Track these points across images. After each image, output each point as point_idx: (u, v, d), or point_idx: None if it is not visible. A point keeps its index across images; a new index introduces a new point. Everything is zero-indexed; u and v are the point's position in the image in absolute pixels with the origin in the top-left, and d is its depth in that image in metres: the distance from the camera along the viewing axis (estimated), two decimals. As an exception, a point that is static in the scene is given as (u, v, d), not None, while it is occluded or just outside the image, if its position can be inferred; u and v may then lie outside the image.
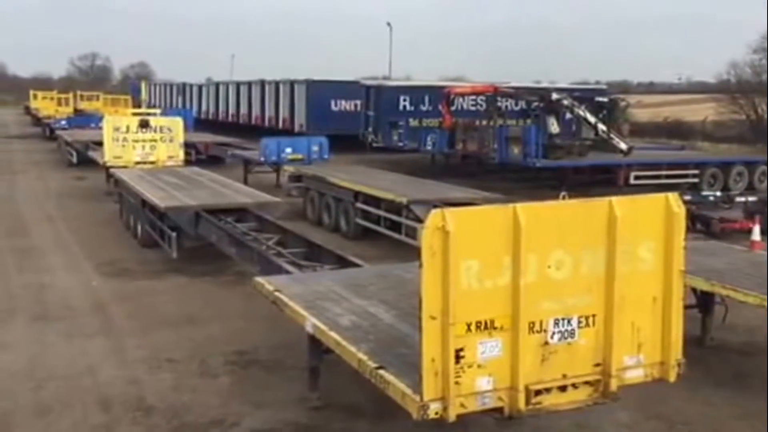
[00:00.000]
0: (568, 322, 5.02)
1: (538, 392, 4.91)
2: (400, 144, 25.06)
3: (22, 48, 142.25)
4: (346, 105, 32.82)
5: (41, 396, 7.05)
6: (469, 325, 4.73)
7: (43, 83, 78.24)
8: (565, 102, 21.17)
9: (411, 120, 26.01)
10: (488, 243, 4.79)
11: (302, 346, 6.99)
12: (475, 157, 22.69)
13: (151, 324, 9.21)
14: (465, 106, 27.08)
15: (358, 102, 29.70)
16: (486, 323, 4.78)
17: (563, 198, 5.62)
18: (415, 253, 11.83)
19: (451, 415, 4.70)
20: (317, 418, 6.56)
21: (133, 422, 6.50)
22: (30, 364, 7.84)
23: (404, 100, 27.92)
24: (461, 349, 4.71)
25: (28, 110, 56.63)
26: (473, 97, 26.88)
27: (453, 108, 24.63)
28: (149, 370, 7.72)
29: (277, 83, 36.46)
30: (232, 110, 41.98)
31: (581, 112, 21.40)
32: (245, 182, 19.02)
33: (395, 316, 6.25)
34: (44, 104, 49.61)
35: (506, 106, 25.64)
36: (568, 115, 22.01)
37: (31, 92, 54.93)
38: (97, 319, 9.47)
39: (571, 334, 5.04)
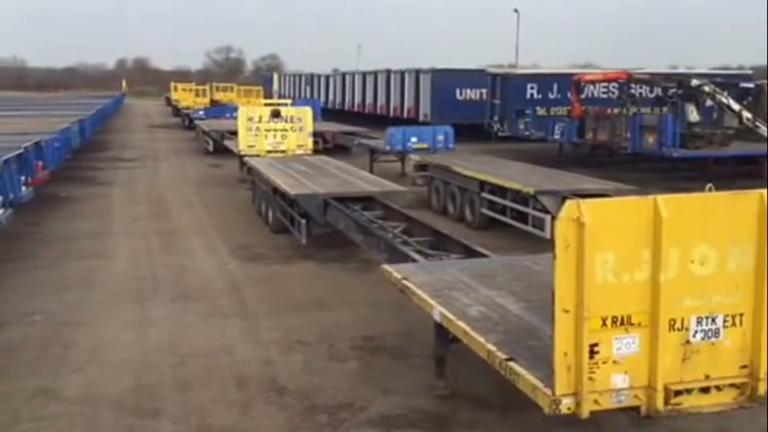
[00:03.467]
0: (713, 320, 4.75)
1: (678, 392, 4.69)
2: (527, 133, 24.60)
3: (163, 43, 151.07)
4: (471, 94, 32.59)
5: (182, 372, 7.47)
6: (604, 320, 4.58)
7: (182, 75, 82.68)
8: (706, 88, 20.00)
9: (538, 108, 25.47)
10: (626, 236, 4.61)
11: (428, 334, 7.03)
12: (606, 146, 21.95)
13: (282, 307, 9.54)
14: (595, 94, 26.19)
15: (484, 91, 29.40)
16: (623, 319, 4.61)
17: (709, 190, 5.30)
18: (541, 244, 11.62)
19: (584, 412, 4.58)
20: (444, 407, 6.57)
21: (267, 401, 6.76)
22: (172, 341, 8.31)
23: (531, 88, 27.33)
24: (596, 344, 4.57)
25: (168, 101, 60.05)
26: (604, 84, 25.92)
27: (583, 96, 23.94)
28: (281, 351, 8.00)
29: (402, 73, 36.71)
30: (358, 100, 42.69)
31: (724, 99, 20.13)
32: (371, 171, 19.29)
33: (524, 308, 6.15)
34: (183, 95, 52.40)
35: (640, 94, 24.57)
36: (709, 102, 20.79)
37: (172, 84, 58.16)
38: (232, 300, 9.91)
39: (716, 333, 4.77)
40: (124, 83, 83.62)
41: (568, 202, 4.64)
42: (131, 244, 13.34)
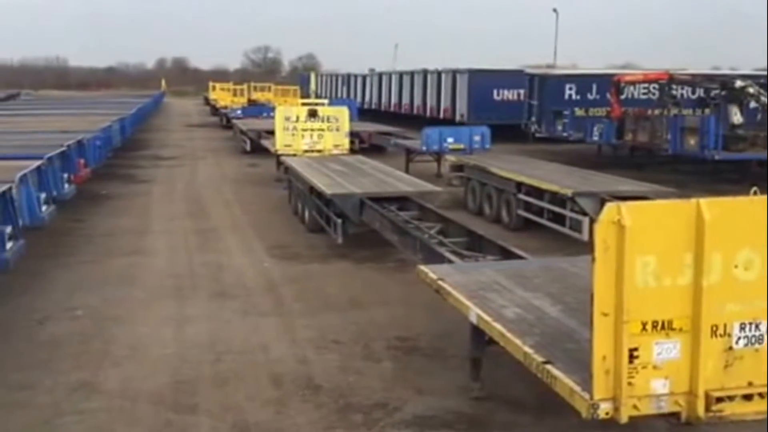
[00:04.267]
0: (756, 327, 4.66)
1: (719, 399, 4.61)
2: (564, 134, 24.39)
3: (202, 42, 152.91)
4: (508, 94, 32.42)
5: (220, 368, 7.55)
6: (644, 324, 4.52)
7: (220, 75, 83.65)
8: (751, 90, 19.62)
9: (576, 109, 25.22)
10: (667, 239, 4.54)
11: (463, 335, 7.01)
12: (646, 148, 21.66)
13: (317, 306, 9.59)
14: (635, 95, 25.87)
15: (521, 91, 29.23)
16: (663, 323, 4.55)
17: (754, 193, 5.19)
18: (578, 246, 11.49)
19: (623, 417, 4.52)
20: (479, 409, 6.54)
21: (302, 399, 6.80)
22: (210, 337, 8.42)
23: (570, 89, 27.08)
24: (635, 349, 4.51)
25: (206, 100, 60.78)
26: (644, 85, 25.60)
27: (622, 97, 23.61)
28: (316, 350, 8.04)
29: (439, 73, 36.66)
30: (394, 100, 42.73)
31: (769, 101, 19.73)
32: (406, 171, 19.27)
33: (561, 311, 6.10)
34: (221, 95, 52.92)
35: (681, 95, 24.19)
36: (753, 104, 20.37)
37: (210, 84, 58.82)
38: (268, 298, 10.00)
39: (759, 339, 4.67)
40: (163, 83, 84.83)
41: (608, 205, 4.59)
42: (170, 241, 13.53)
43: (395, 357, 7.86)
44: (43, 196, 11.16)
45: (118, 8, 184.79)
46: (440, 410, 6.53)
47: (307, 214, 14.37)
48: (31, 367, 7.49)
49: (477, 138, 20.01)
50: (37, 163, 11.43)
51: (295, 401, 6.77)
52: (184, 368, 7.51)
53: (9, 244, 8.57)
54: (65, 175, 13.32)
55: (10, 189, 9.31)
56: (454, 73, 34.88)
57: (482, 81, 32.97)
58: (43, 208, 10.99)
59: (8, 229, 8.67)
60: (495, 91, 32.78)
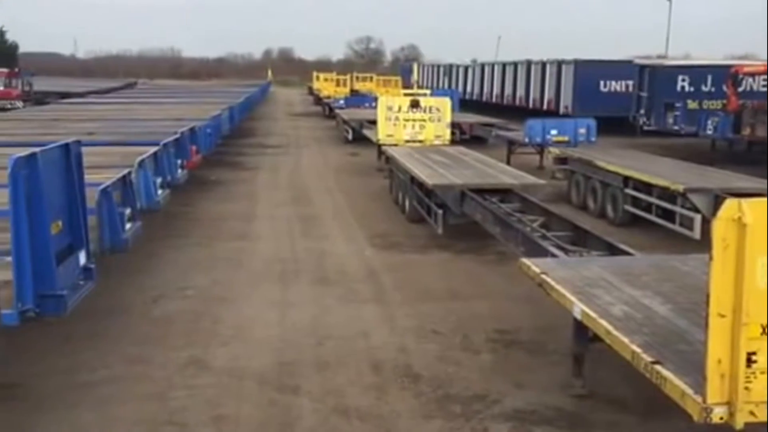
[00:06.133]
0: None
1: (844, 410, 4.33)
2: (676, 128, 23.44)
3: (307, 33, 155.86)
4: (615, 86, 31.46)
5: (321, 352, 7.72)
6: (764, 328, 4.30)
7: (324, 65, 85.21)
8: None
9: (689, 102, 24.17)
10: (792, 239, 4.29)
11: (565, 331, 6.89)
12: (765, 143, 20.46)
13: (417, 296, 9.64)
14: (754, 87, 24.47)
15: (629, 83, 28.27)
16: (785, 327, 4.31)
17: None
18: (687, 244, 11.03)
19: (738, 423, 4.32)
20: (581, 407, 6.41)
21: (401, 387, 6.86)
22: (312, 322, 8.62)
23: (682, 81, 25.94)
24: (754, 353, 4.30)
25: (310, 90, 62.00)
26: (765, 77, 24.18)
27: (740, 89, 22.42)
28: (416, 339, 8.09)
29: (543, 63, 35.97)
30: (496, 91, 42.25)
31: None
32: (508, 163, 19.04)
33: (671, 310, 5.88)
34: (324, 85, 53.87)
35: (807, 87, 22.77)
36: None
37: (314, 74, 59.95)
38: (369, 286, 10.13)
39: None
40: (269, 72, 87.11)
41: (728, 201, 4.39)
42: (274, 227, 13.92)
43: (494, 349, 7.81)
44: (158, 180, 11.70)
45: (224, 0, 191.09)
46: (540, 406, 6.45)
47: (407, 203, 14.44)
48: (146, 342, 7.91)
49: (582, 130, 19.50)
50: (154, 149, 12.00)
51: (394, 388, 6.84)
52: (287, 350, 7.73)
53: (128, 225, 9.04)
54: (179, 161, 13.91)
55: (130, 173, 9.83)
56: (560, 63, 34.12)
57: (589, 72, 32.10)
58: (159, 192, 11.52)
59: (128, 211, 9.14)
60: (602, 83, 31.87)
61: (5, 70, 44.80)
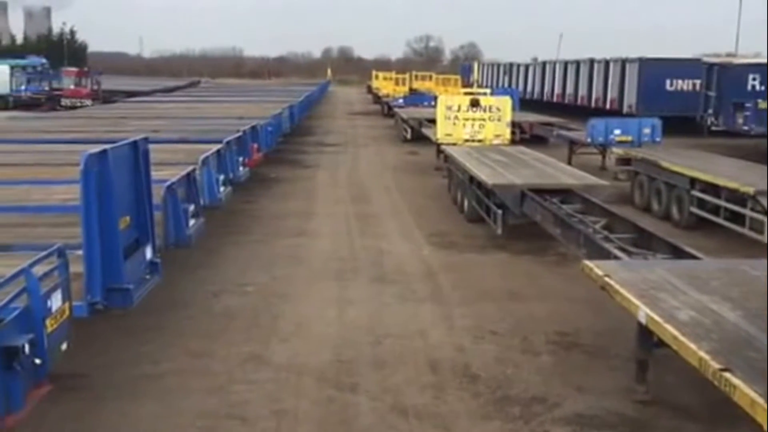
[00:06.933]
0: None
1: None
2: (745, 128, 22.68)
3: (366, 33, 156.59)
4: (682, 84, 30.61)
5: (378, 350, 7.74)
6: (841, 337, 4.12)
7: (383, 64, 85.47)
8: None
9: (760, 101, 23.32)
10: None
11: (627, 335, 6.75)
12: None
13: (475, 296, 9.58)
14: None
15: (697, 81, 27.47)
16: None
17: None
18: (759, 249, 10.67)
19: (812, 435, 4.16)
20: (644, 413, 6.27)
21: (459, 387, 6.83)
22: (370, 320, 8.65)
23: (753, 79, 25.01)
24: (830, 363, 4.13)
25: (369, 89, 62.22)
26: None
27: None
28: (474, 339, 8.03)
29: (607, 62, 35.27)
30: (557, 90, 41.63)
31: None
32: (569, 163, 18.76)
33: (741, 316, 5.69)
34: (383, 84, 53.93)
35: None
36: None
37: (373, 72, 60.14)
38: (427, 285, 10.10)
39: None
40: (329, 71, 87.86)
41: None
42: (333, 225, 14.02)
43: (554, 352, 7.70)
44: (221, 177, 11.92)
45: (290, 1, 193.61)
46: (601, 410, 6.33)
47: (466, 203, 14.35)
48: (207, 336, 8.06)
49: (646, 130, 19.04)
50: (217, 147, 12.22)
51: (452, 388, 6.81)
52: (345, 348, 7.77)
53: (192, 222, 9.23)
54: (240, 159, 14.14)
55: (194, 170, 10.03)
56: (624, 61, 33.39)
57: (654, 70, 31.32)
58: (221, 189, 11.73)
59: (191, 208, 9.33)
60: (667, 81, 31.04)
61: (76, 69, 46.37)
